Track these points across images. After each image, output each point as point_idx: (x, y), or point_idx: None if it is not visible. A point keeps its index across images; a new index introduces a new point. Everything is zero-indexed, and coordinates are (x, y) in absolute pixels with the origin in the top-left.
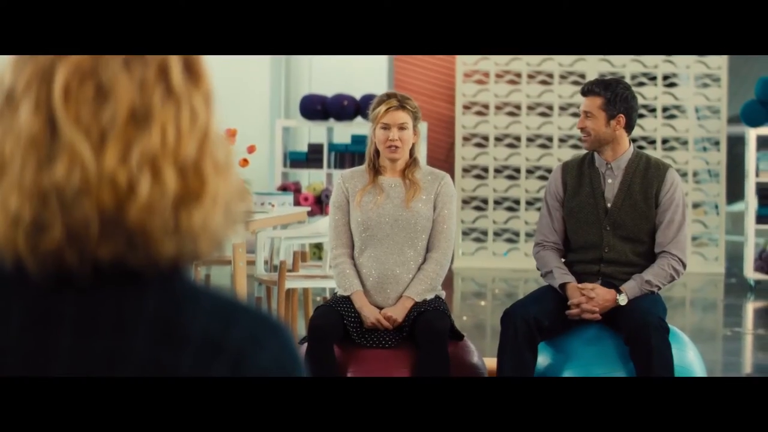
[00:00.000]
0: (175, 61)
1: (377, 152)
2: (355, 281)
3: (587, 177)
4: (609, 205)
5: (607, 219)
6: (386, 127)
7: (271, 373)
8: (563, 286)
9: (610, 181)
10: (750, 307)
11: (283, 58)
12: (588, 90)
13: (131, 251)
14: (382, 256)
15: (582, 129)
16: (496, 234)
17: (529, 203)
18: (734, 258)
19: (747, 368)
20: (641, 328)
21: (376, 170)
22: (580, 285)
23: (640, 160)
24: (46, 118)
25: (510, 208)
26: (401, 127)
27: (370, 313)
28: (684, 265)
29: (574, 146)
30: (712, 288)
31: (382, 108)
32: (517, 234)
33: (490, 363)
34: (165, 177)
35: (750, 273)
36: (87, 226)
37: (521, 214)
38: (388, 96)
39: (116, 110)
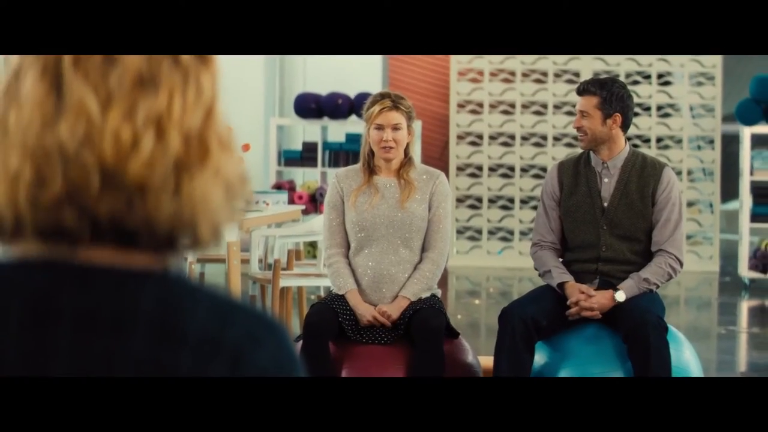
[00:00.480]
0: None
1: (372, 152)
2: (349, 280)
3: (583, 176)
4: (606, 204)
5: (604, 218)
6: (380, 127)
7: (269, 372)
8: (562, 285)
9: (606, 180)
10: (744, 306)
11: (277, 56)
12: (584, 89)
13: (130, 210)
14: (378, 256)
15: (578, 128)
16: (491, 232)
17: (523, 201)
18: (729, 256)
19: (741, 367)
20: (640, 326)
21: (371, 170)
22: (578, 285)
23: (636, 159)
24: (53, 82)
25: (504, 207)
26: (395, 128)
27: (365, 311)
28: (681, 264)
29: (569, 145)
30: (707, 286)
31: (376, 108)
32: (511, 232)
33: (485, 362)
34: (169, 138)
35: (744, 271)
36: (87, 180)
37: (516, 212)
38: (382, 96)
39: (123, 74)
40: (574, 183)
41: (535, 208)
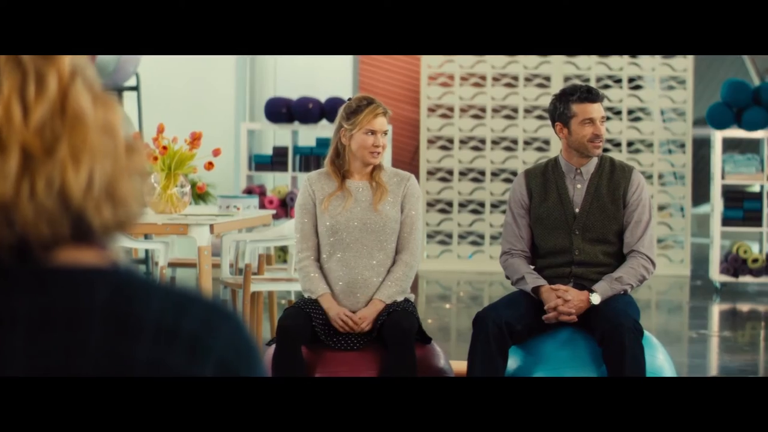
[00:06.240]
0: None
1: (337, 154)
2: (321, 284)
3: (553, 183)
4: (577, 210)
5: (576, 223)
6: (372, 132)
7: (228, 358)
8: (536, 289)
9: (579, 186)
10: (716, 310)
11: (247, 60)
12: (599, 96)
13: (9, 229)
14: (352, 260)
15: (599, 135)
16: (461, 237)
17: (494, 206)
18: (699, 260)
19: (713, 370)
20: (615, 329)
21: (342, 174)
22: (553, 287)
23: (605, 163)
24: None
25: (475, 211)
26: (384, 134)
27: (336, 315)
28: (653, 264)
29: (539, 149)
30: (678, 290)
31: (369, 114)
32: (482, 236)
33: (457, 366)
34: (9, 149)
35: (716, 275)
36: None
37: (486, 216)
38: (369, 101)
39: None
40: (543, 190)
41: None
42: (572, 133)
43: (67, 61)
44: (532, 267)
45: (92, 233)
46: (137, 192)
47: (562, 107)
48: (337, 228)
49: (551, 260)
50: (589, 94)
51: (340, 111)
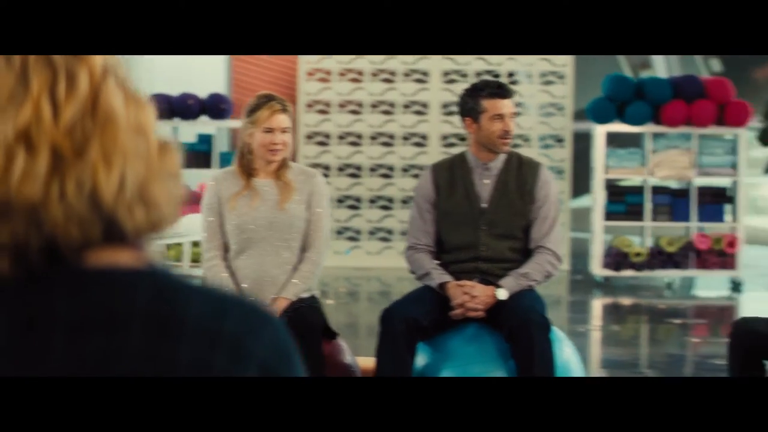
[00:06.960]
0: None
1: (246, 154)
2: (229, 284)
3: (460, 178)
4: (484, 205)
5: (483, 219)
6: (270, 131)
7: (268, 360)
8: (442, 285)
9: (486, 181)
10: (597, 304)
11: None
12: (510, 92)
13: (38, 231)
14: (259, 259)
15: (508, 131)
16: (338, 232)
17: (371, 201)
18: (578, 255)
19: (594, 365)
20: (523, 325)
21: (248, 172)
22: (459, 282)
23: (513, 159)
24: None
25: (352, 207)
26: (284, 131)
27: None
28: (559, 259)
29: (417, 144)
30: (556, 285)
31: (265, 112)
32: (358, 232)
33: (362, 362)
34: (39, 150)
35: (597, 269)
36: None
37: (363, 212)
38: (268, 98)
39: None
40: (450, 185)
41: (383, 207)
42: (482, 128)
43: (99, 59)
44: (437, 262)
45: (125, 236)
46: (170, 194)
47: (472, 102)
48: (244, 227)
49: (457, 255)
50: (500, 90)
51: (244, 108)
